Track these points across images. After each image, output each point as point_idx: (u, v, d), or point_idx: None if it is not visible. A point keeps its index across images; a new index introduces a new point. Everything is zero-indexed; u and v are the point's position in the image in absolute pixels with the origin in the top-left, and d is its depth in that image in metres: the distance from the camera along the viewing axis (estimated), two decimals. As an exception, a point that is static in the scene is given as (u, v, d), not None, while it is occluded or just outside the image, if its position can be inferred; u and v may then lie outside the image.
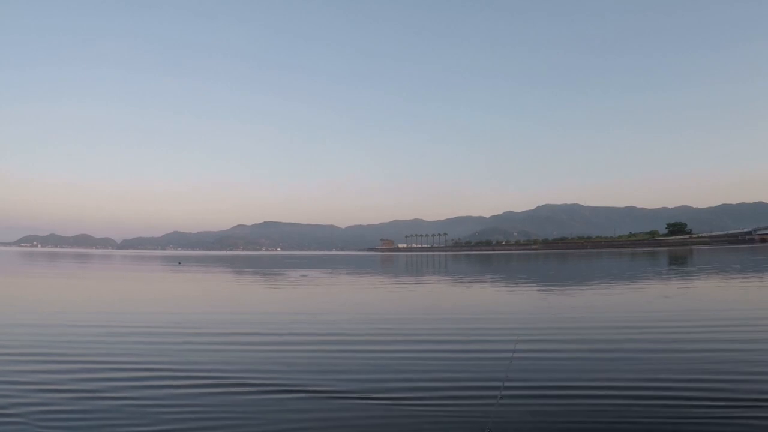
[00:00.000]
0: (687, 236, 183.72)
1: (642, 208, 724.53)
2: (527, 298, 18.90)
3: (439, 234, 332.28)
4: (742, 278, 25.25)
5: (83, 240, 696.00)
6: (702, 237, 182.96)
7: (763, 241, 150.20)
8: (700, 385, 6.48)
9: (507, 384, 6.01)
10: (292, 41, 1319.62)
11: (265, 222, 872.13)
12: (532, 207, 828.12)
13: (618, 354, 8.47)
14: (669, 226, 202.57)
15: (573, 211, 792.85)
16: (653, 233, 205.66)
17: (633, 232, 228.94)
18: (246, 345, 9.74)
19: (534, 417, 5.50)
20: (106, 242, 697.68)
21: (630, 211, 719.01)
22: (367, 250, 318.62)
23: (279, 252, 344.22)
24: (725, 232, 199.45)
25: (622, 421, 5.31)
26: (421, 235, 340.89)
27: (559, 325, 11.87)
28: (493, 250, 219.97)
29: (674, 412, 5.55)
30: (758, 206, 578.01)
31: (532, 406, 5.86)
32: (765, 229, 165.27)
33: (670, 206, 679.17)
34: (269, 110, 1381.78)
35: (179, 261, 70.94)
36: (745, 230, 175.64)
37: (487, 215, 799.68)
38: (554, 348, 9.13)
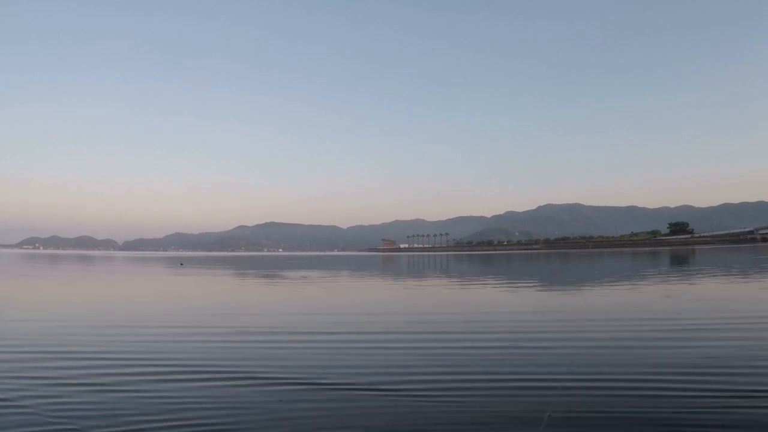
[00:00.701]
0: (689, 236, 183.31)
1: (643, 208, 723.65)
2: (528, 298, 19.03)
3: (441, 234, 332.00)
4: (742, 278, 25.35)
5: (85, 242, 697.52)
6: (704, 236, 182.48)
7: (765, 240, 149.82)
8: (701, 377, 6.64)
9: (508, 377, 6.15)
10: (292, 41, 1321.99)
11: (266, 223, 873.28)
12: (533, 207, 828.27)
13: (617, 347, 8.63)
14: (670, 225, 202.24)
15: (574, 210, 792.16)
16: (655, 233, 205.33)
17: (635, 232, 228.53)
18: (248, 341, 9.94)
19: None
20: (107, 244, 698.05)
21: (631, 211, 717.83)
22: (369, 251, 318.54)
23: (281, 253, 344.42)
24: (727, 232, 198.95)
25: (623, 413, 5.46)
26: (423, 236, 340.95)
27: (560, 321, 12.01)
28: (495, 250, 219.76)
29: (674, 402, 5.70)
30: (760, 205, 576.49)
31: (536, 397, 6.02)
32: (767, 228, 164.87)
33: (671, 206, 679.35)
34: (269, 110, 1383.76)
35: (181, 262, 71.13)
36: (747, 229, 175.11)
37: (489, 215, 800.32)
38: (552, 341, 9.28)
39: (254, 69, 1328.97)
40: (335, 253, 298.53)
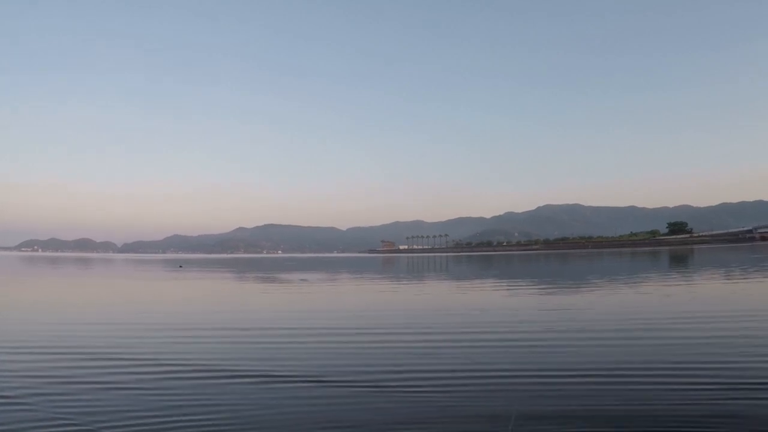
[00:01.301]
0: (688, 235, 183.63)
1: (643, 208, 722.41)
2: (528, 298, 19.14)
3: (440, 235, 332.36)
4: (740, 277, 25.49)
5: (84, 244, 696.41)
6: (703, 236, 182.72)
7: (763, 239, 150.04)
8: (688, 370, 6.75)
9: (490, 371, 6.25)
10: (292, 41, 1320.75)
11: (265, 224, 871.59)
12: (533, 207, 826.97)
13: (616, 343, 8.75)
14: (670, 225, 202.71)
15: (574, 211, 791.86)
16: (654, 233, 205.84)
17: (634, 232, 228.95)
18: (246, 339, 10.08)
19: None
20: (107, 246, 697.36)
21: (631, 211, 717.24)
22: (368, 252, 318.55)
23: (280, 254, 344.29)
24: (726, 231, 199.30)
25: (611, 405, 5.56)
26: (422, 237, 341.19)
27: (559, 319, 12.12)
28: (495, 251, 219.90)
29: (664, 394, 5.80)
30: (759, 204, 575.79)
31: (527, 388, 6.12)
32: (765, 227, 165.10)
33: (670, 205, 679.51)
34: (269, 110, 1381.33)
35: (180, 264, 71.23)
36: (746, 228, 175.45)
37: (488, 216, 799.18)
38: (552, 337, 9.39)
39: (254, 69, 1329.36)
40: (335, 254, 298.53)
